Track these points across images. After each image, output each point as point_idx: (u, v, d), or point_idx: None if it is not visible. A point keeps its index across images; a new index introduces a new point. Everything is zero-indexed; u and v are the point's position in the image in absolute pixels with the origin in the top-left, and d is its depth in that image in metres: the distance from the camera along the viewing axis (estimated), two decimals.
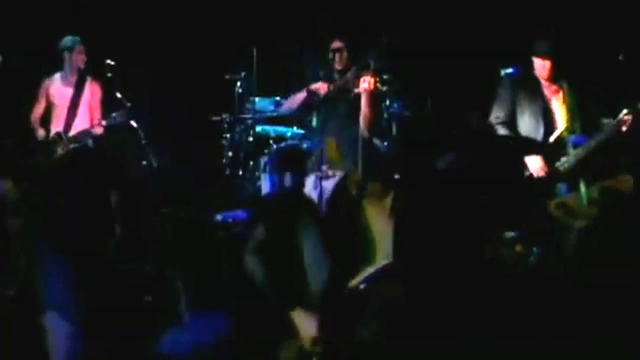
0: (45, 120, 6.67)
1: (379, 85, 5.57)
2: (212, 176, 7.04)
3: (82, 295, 3.14)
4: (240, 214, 5.89)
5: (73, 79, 6.71)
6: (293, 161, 6.25)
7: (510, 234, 4.31)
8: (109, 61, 6.41)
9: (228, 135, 7.06)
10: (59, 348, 3.12)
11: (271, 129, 7.15)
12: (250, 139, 7.02)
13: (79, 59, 6.66)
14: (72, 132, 6.58)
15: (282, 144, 6.86)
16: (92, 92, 6.70)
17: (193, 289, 3.59)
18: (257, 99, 7.02)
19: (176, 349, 3.45)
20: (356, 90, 5.59)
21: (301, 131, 6.91)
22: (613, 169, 5.10)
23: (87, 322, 3.12)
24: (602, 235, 4.81)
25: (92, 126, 6.56)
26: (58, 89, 6.69)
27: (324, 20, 6.14)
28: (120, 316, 3.21)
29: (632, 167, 5.16)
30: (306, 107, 5.91)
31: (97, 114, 6.70)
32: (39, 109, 6.71)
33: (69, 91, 6.69)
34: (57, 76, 6.73)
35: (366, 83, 5.52)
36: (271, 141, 6.97)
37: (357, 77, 5.60)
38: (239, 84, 7.10)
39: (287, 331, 3.22)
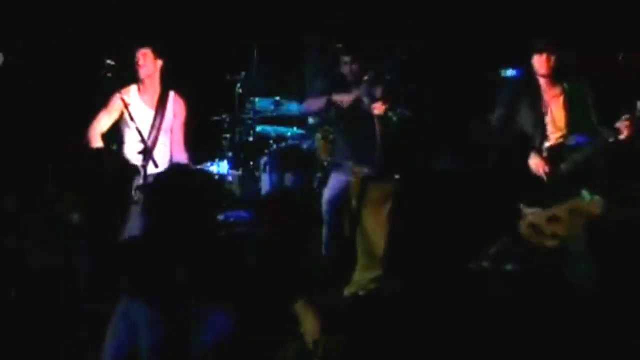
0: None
1: (389, 113, 5.69)
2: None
3: None
4: (241, 213, 5.89)
5: (152, 96, 5.75)
6: (293, 161, 6.28)
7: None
8: (109, 61, 6.36)
9: (228, 135, 7.05)
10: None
11: (271, 129, 7.16)
12: (250, 139, 7.02)
13: (137, 65, 5.71)
14: (149, 170, 5.47)
15: (282, 144, 6.88)
16: (175, 112, 5.78)
17: (194, 288, 3.58)
18: (257, 99, 7.03)
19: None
20: (369, 112, 5.70)
21: (301, 131, 6.91)
22: (614, 177, 5.10)
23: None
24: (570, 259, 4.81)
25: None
26: (136, 107, 5.69)
27: (325, 20, 6.14)
28: None
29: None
30: (320, 113, 5.97)
31: (180, 143, 5.78)
32: (105, 123, 5.73)
33: (149, 112, 5.74)
34: (134, 90, 5.80)
35: (377, 109, 5.69)
36: (271, 141, 6.98)
37: (370, 94, 5.69)
38: (239, 84, 7.10)
39: (289, 331, 3.22)
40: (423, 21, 6.93)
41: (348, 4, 6.78)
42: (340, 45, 5.80)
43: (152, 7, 7.35)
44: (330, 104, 5.80)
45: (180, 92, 5.97)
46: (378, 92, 5.77)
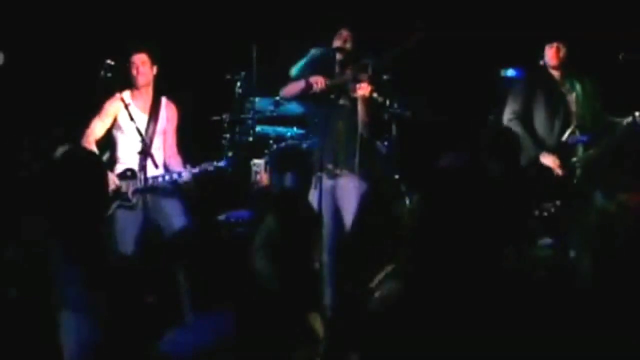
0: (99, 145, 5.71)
1: (375, 95, 5.53)
2: (212, 176, 7.02)
3: (97, 297, 3.15)
4: (242, 213, 5.89)
5: (145, 101, 5.75)
6: (293, 161, 6.24)
7: (546, 241, 4.29)
8: (108, 61, 6.35)
9: (228, 135, 7.05)
10: (74, 346, 3.15)
11: (271, 129, 7.16)
12: (250, 139, 7.01)
13: (136, 72, 5.68)
14: (149, 172, 5.54)
15: (282, 144, 6.87)
16: (168, 117, 5.82)
17: (196, 289, 3.58)
18: (257, 99, 7.02)
19: (178, 350, 3.44)
20: (353, 95, 5.55)
21: (301, 131, 6.90)
22: (625, 173, 5.11)
23: (102, 323, 3.13)
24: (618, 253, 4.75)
25: (179, 174, 5.58)
26: (130, 112, 5.63)
27: (325, 19, 6.12)
28: (127, 316, 3.23)
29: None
30: (302, 98, 5.82)
31: (173, 147, 5.82)
32: (99, 130, 5.71)
33: (143, 118, 5.73)
34: (127, 96, 5.74)
35: (362, 90, 5.45)
36: (271, 141, 6.97)
37: (355, 78, 5.55)
38: (239, 84, 7.09)
39: (291, 331, 3.22)
40: (422, 20, 6.92)
41: (347, 4, 6.77)
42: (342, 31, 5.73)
43: (152, 6, 7.35)
44: (308, 86, 5.58)
45: (172, 97, 6.00)
46: (364, 77, 5.59)
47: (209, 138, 7.07)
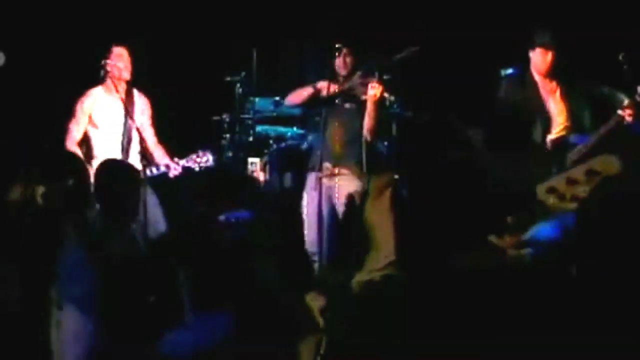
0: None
1: (386, 94, 5.52)
2: (212, 176, 7.04)
3: (102, 297, 3.18)
4: (242, 214, 5.90)
5: (118, 95, 5.66)
6: (293, 161, 6.25)
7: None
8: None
9: (228, 135, 7.05)
10: (75, 343, 3.17)
11: (271, 129, 7.17)
12: (250, 139, 7.02)
13: (116, 67, 5.68)
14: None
15: (282, 144, 6.88)
16: (142, 109, 5.82)
17: (196, 289, 3.59)
18: (257, 99, 7.03)
19: (178, 350, 3.45)
20: (363, 97, 5.53)
21: (301, 131, 6.91)
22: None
23: (105, 320, 3.16)
24: (592, 221, 4.75)
25: (167, 167, 5.62)
26: (103, 108, 5.69)
27: (325, 20, 6.13)
28: (130, 316, 3.25)
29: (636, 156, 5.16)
30: (309, 104, 5.81)
31: (153, 138, 5.81)
32: (78, 132, 5.70)
33: (118, 112, 5.71)
34: (100, 92, 5.76)
35: (374, 90, 5.43)
36: (271, 141, 6.98)
37: (364, 83, 5.54)
38: (239, 84, 7.10)
39: (291, 330, 3.23)
40: (422, 20, 6.93)
41: (346, 5, 6.78)
42: (339, 45, 5.72)
43: (153, 7, 7.35)
44: (316, 91, 5.61)
45: (173, 97, 6.01)
46: (372, 79, 5.57)
47: (209, 138, 7.08)
